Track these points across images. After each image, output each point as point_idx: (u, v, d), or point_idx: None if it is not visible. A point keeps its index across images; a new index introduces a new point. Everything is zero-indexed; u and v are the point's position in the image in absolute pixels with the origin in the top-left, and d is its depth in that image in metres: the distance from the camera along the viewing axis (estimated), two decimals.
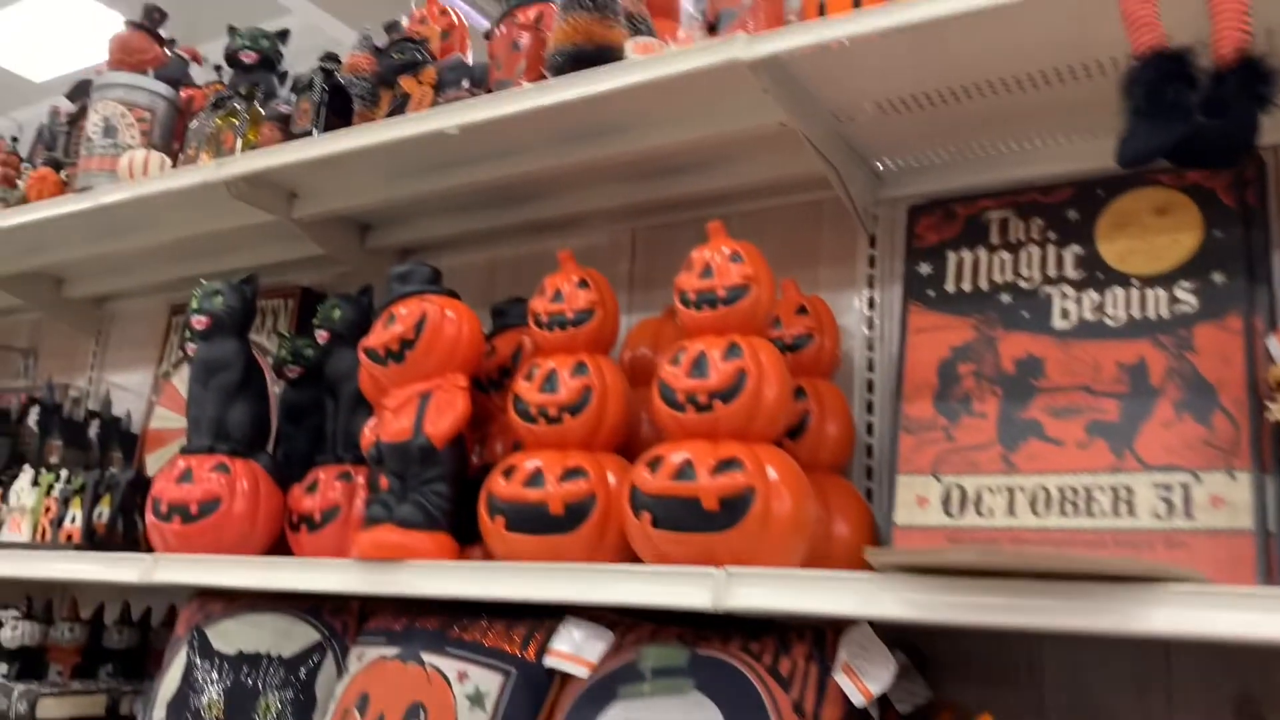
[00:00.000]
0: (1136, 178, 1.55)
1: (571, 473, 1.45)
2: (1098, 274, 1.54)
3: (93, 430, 2.46)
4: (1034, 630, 1.36)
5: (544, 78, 1.68)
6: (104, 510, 1.98)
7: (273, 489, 1.82)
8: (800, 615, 1.31)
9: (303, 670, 1.63)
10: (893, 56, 1.46)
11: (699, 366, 1.37)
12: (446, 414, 1.56)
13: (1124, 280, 1.52)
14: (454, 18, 2.13)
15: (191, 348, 2.02)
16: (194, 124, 2.08)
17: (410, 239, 2.23)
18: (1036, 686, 1.50)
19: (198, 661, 1.67)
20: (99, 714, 1.92)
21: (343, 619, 1.69)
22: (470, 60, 1.96)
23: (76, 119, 2.49)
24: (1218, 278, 1.45)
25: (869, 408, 1.72)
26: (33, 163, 2.37)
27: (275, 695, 1.61)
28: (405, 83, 1.77)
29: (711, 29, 1.49)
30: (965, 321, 1.59)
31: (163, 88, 2.21)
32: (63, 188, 2.25)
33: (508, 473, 1.49)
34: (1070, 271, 1.56)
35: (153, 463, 2.47)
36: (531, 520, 1.44)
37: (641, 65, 1.48)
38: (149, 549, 1.99)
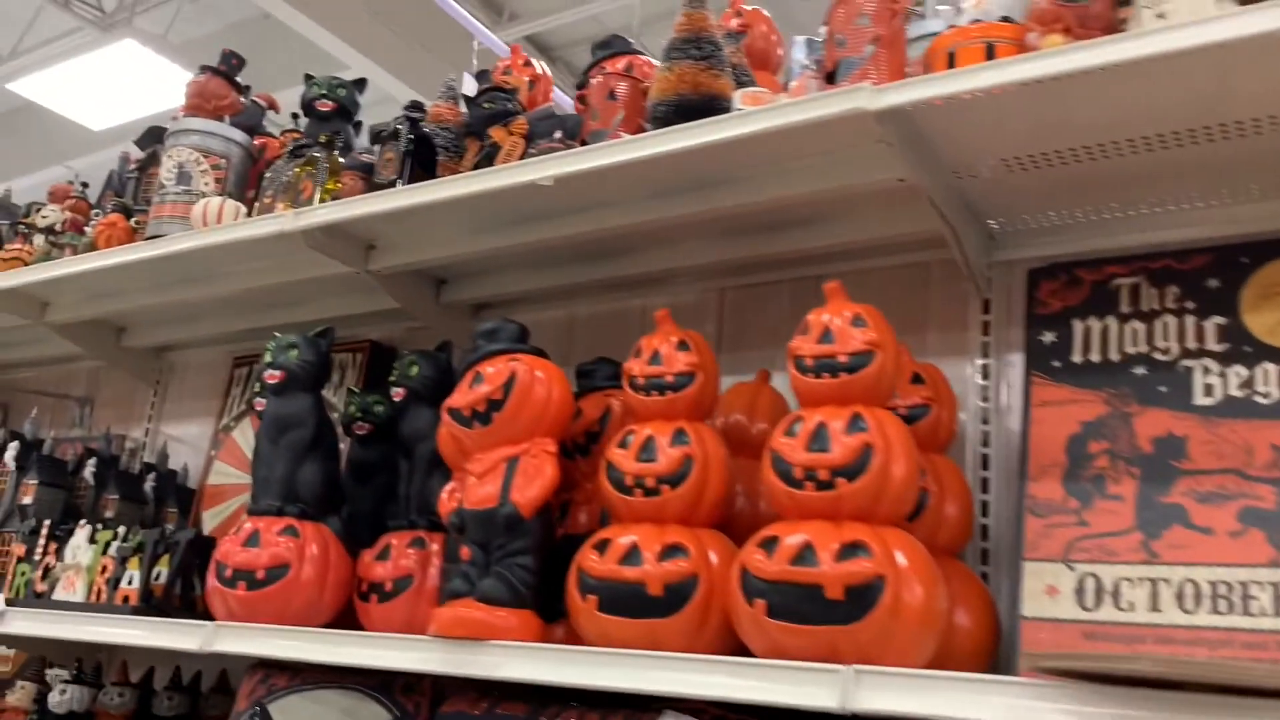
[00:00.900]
0: None
1: (671, 550, 1.34)
2: (1244, 347, 1.42)
3: (148, 484, 2.38)
4: None
5: (642, 129, 1.61)
6: (162, 571, 1.89)
7: (342, 555, 1.72)
8: None
9: None
10: (1022, 111, 1.36)
11: (819, 439, 1.26)
12: (535, 481, 1.46)
13: (1275, 355, 1.39)
14: (538, 69, 2.07)
15: (260, 402, 1.94)
16: (269, 172, 2.02)
17: (485, 294, 2.15)
18: None
19: None
20: None
21: (415, 699, 1.58)
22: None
23: (147, 165, 2.44)
24: None
25: (984, 485, 1.59)
26: (103, 209, 2.32)
27: None
28: (496, 133, 1.70)
29: (829, 78, 1.40)
30: (1096, 395, 1.47)
31: (238, 135, 2.17)
32: (132, 234, 2.20)
33: (600, 547, 1.38)
34: (1212, 344, 1.44)
35: (210, 519, 2.38)
36: (627, 601, 1.33)
37: (757, 116, 1.39)
38: (206, 613, 1.90)
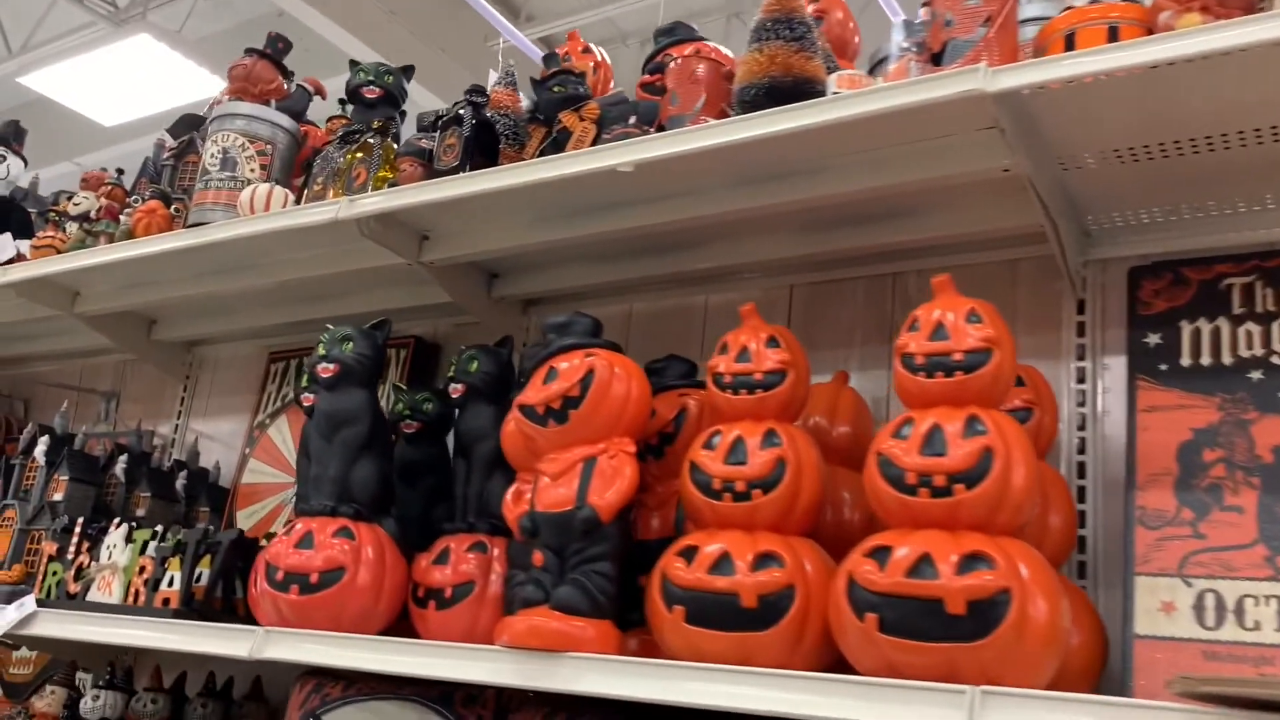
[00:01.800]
0: None
1: (765, 559, 1.26)
2: None
3: (179, 482, 2.30)
4: None
5: (725, 114, 1.53)
6: (203, 573, 1.81)
7: (399, 559, 1.64)
8: None
9: None
10: (1139, 98, 1.29)
11: (934, 443, 1.18)
12: (614, 483, 1.38)
13: None
14: (598, 55, 1.99)
15: (308, 397, 1.86)
16: (319, 159, 1.94)
17: (538, 289, 2.07)
18: None
19: None
20: None
21: (477, 711, 1.49)
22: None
23: (183, 152, 2.36)
24: None
25: (1080, 495, 1.51)
26: (139, 196, 2.24)
27: None
28: (566, 118, 1.62)
29: (935, 60, 1.32)
30: (1208, 401, 1.39)
31: (285, 120, 2.09)
32: (171, 222, 2.12)
33: (686, 554, 1.30)
34: None
35: (244, 519, 2.30)
36: (718, 613, 1.25)
37: (861, 99, 1.31)
38: (248, 616, 1.81)
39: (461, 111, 1.74)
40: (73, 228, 2.32)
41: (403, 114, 2.21)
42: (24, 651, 2.62)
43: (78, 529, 1.98)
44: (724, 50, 1.79)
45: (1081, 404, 1.55)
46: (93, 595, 1.88)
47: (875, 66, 1.60)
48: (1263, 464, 1.33)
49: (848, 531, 1.44)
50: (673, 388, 1.62)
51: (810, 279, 1.85)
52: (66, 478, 2.14)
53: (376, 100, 2.12)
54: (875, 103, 1.31)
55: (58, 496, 2.13)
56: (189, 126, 2.45)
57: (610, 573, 1.36)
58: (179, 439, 2.61)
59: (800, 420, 1.55)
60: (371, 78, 2.14)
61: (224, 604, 1.82)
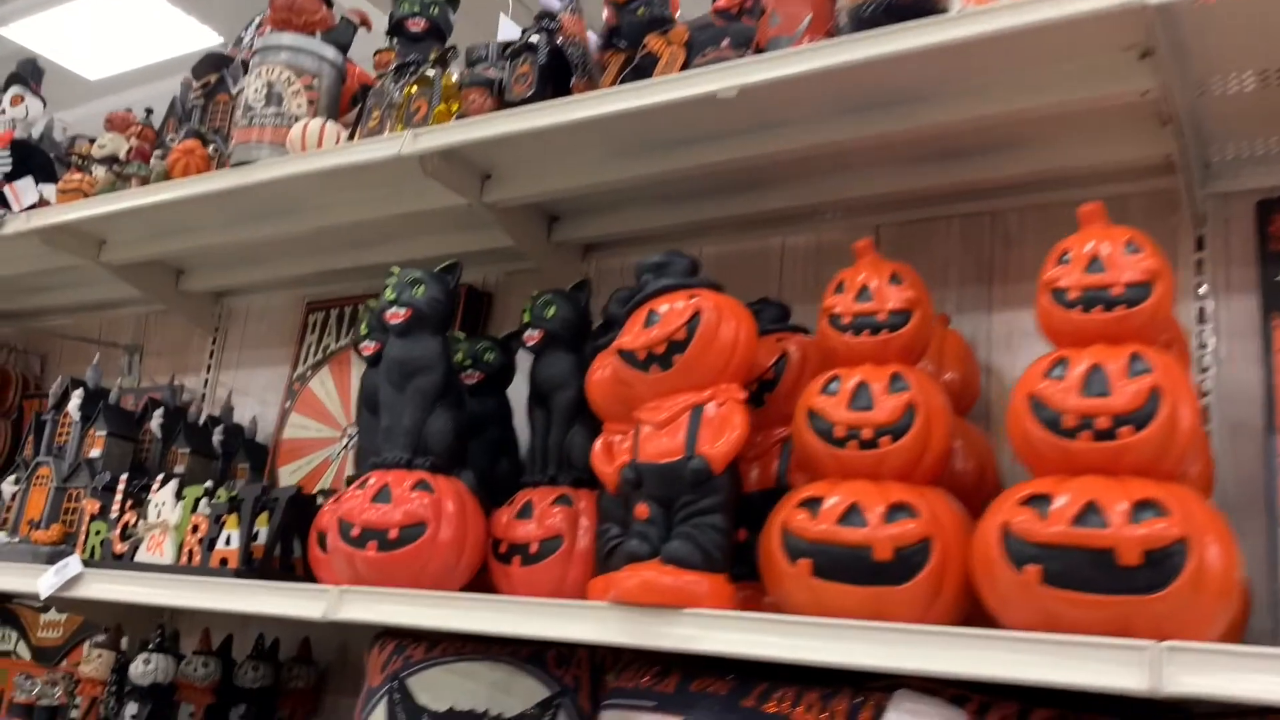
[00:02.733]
0: None
1: (898, 510, 1.18)
2: None
3: (215, 437, 2.20)
4: None
5: (832, 35, 1.42)
6: (259, 531, 1.72)
7: (479, 513, 1.55)
8: (1248, 706, 1.02)
9: None
10: None
11: (1095, 383, 1.09)
12: (725, 432, 1.29)
13: None
14: None
15: (369, 345, 1.76)
16: (372, 94, 1.83)
17: (600, 232, 1.97)
18: None
19: (402, 719, 1.39)
20: None
21: (572, 672, 1.41)
22: None
23: (213, 91, 2.24)
24: None
25: None
26: (175, 137, 2.11)
27: None
28: (653, 42, 1.51)
29: None
30: None
31: (331, 52, 1.96)
32: (209, 162, 2.00)
33: (809, 505, 1.22)
34: None
35: (287, 476, 2.21)
36: (850, 567, 1.17)
37: (997, 14, 1.21)
38: (307, 576, 1.73)
39: (534, 39, 1.63)
40: (99, 171, 2.20)
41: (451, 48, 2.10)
42: (53, 614, 2.53)
43: (121, 486, 1.88)
44: None
45: (1203, 345, 1.47)
46: (141, 555, 1.79)
47: None
48: None
49: (961, 482, 1.37)
50: (769, 332, 1.53)
51: (898, 218, 1.75)
52: (104, 433, 2.04)
53: (422, 34, 2.00)
54: (1013, 19, 1.21)
55: (95, 453, 2.03)
56: (213, 66, 2.32)
57: (722, 525, 1.28)
58: (209, 394, 2.51)
59: None
60: (417, 9, 2.02)
61: (282, 563, 1.73)
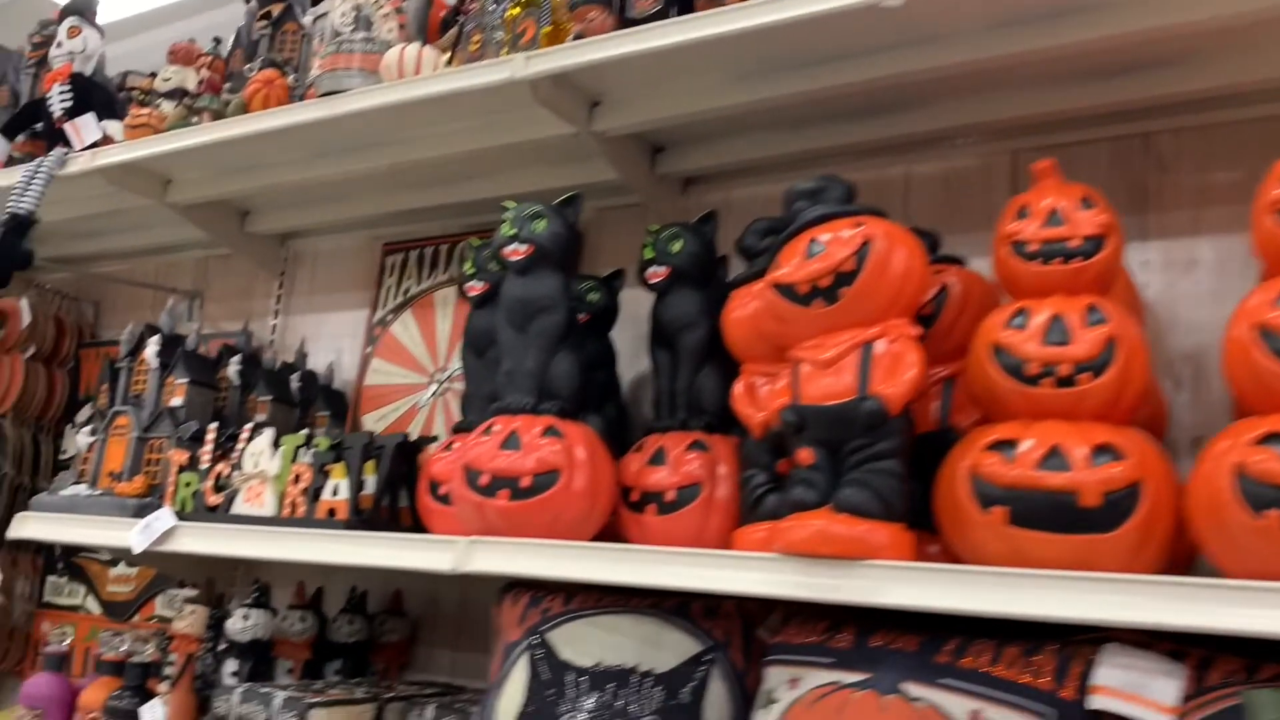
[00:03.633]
0: None
1: (1103, 451, 1.09)
2: None
3: (292, 384, 2.11)
4: None
5: None
6: (364, 481, 1.64)
7: (609, 460, 1.47)
8: None
9: (686, 690, 1.29)
10: None
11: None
12: (901, 370, 1.20)
13: None
14: None
15: (476, 286, 1.67)
16: (469, 18, 1.71)
17: (705, 164, 1.86)
18: None
19: (547, 675, 1.32)
20: None
21: (722, 625, 1.34)
22: None
23: (281, 20, 2.12)
24: None
25: None
26: (251, 69, 1.99)
27: None
28: None
29: None
30: None
31: None
32: (289, 92, 1.89)
33: (1002, 448, 1.13)
34: None
35: (373, 424, 2.13)
36: (1052, 514, 1.09)
37: None
38: (415, 526, 1.66)
39: None
40: (166, 105, 2.08)
41: None
42: (122, 568, 2.47)
43: (211, 436, 1.80)
44: None
45: None
46: (239, 507, 1.71)
47: None
48: None
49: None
50: None
51: (1038, 142, 1.64)
52: (184, 381, 1.96)
53: None
54: None
55: (176, 401, 1.94)
56: None
57: (899, 471, 1.19)
58: (277, 339, 2.42)
59: None
60: None
61: (389, 513, 1.66)
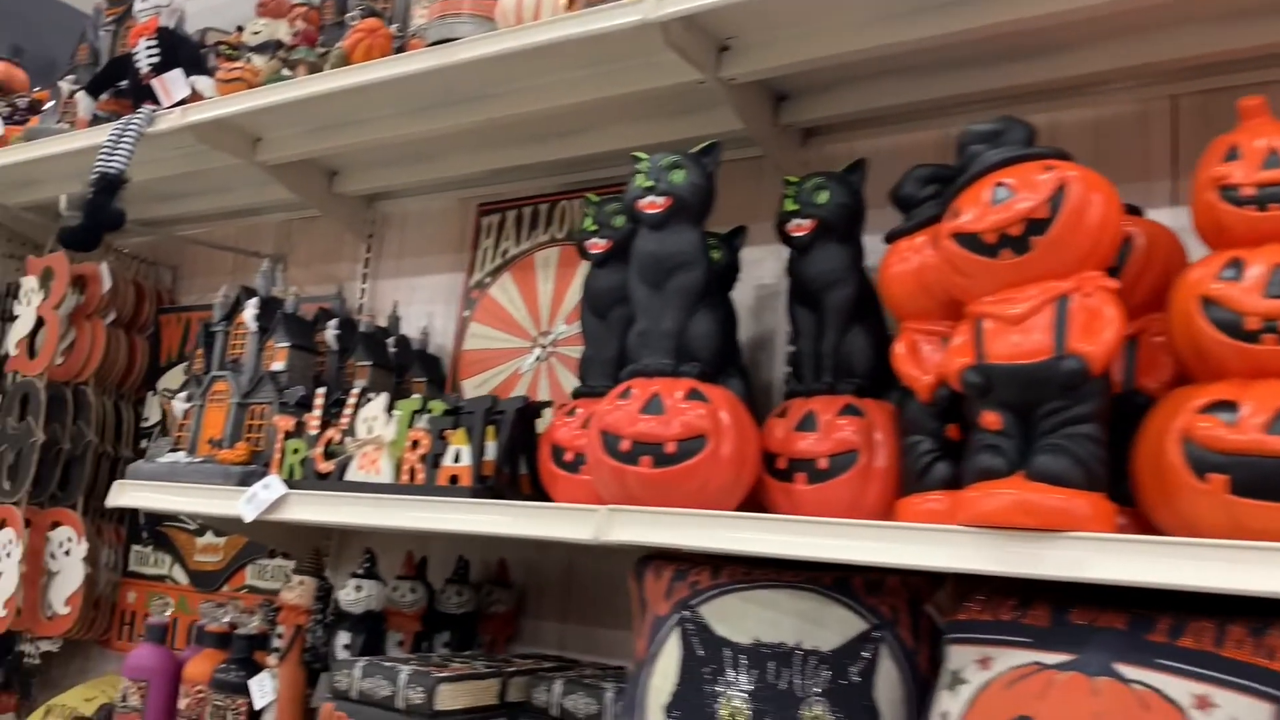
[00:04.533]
0: None
1: None
2: None
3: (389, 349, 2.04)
4: None
5: None
6: (487, 447, 1.57)
7: (753, 425, 1.39)
8: None
9: (853, 671, 1.20)
10: None
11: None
12: (1100, 326, 1.10)
13: None
14: None
15: (599, 243, 1.59)
16: None
17: (827, 114, 1.76)
18: None
19: (701, 653, 1.25)
20: (492, 703, 1.51)
21: (889, 601, 1.25)
22: None
23: None
24: None
25: None
26: (353, 14, 1.90)
27: (821, 705, 1.18)
28: None
29: None
30: None
31: None
32: (392, 41, 1.80)
33: (1219, 411, 1.04)
34: None
35: (471, 390, 2.05)
36: None
37: None
38: (536, 494, 1.59)
39: None
40: (258, 60, 2.01)
41: None
42: (210, 537, 2.43)
43: (319, 401, 1.73)
44: None
45: None
46: (353, 474, 1.64)
47: None
48: None
49: None
50: None
51: (1199, 86, 1.53)
52: (286, 345, 1.89)
53: None
54: None
55: (278, 366, 1.88)
56: None
57: (1098, 436, 1.09)
58: (367, 303, 2.35)
59: None
60: None
61: (509, 480, 1.59)
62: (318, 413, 1.72)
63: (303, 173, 2.26)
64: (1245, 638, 1.00)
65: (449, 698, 1.44)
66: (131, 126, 2.04)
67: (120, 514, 2.57)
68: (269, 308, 1.95)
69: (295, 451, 1.72)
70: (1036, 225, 1.13)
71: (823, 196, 1.42)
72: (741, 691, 1.21)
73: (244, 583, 2.33)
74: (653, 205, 1.40)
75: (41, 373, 2.45)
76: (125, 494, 1.90)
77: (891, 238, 1.36)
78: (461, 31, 1.65)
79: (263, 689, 1.72)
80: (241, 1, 2.40)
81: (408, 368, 2.05)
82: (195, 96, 2.07)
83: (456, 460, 1.54)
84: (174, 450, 1.92)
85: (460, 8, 1.68)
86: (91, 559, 2.44)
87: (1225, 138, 1.15)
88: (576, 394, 1.60)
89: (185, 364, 2.56)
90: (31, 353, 2.48)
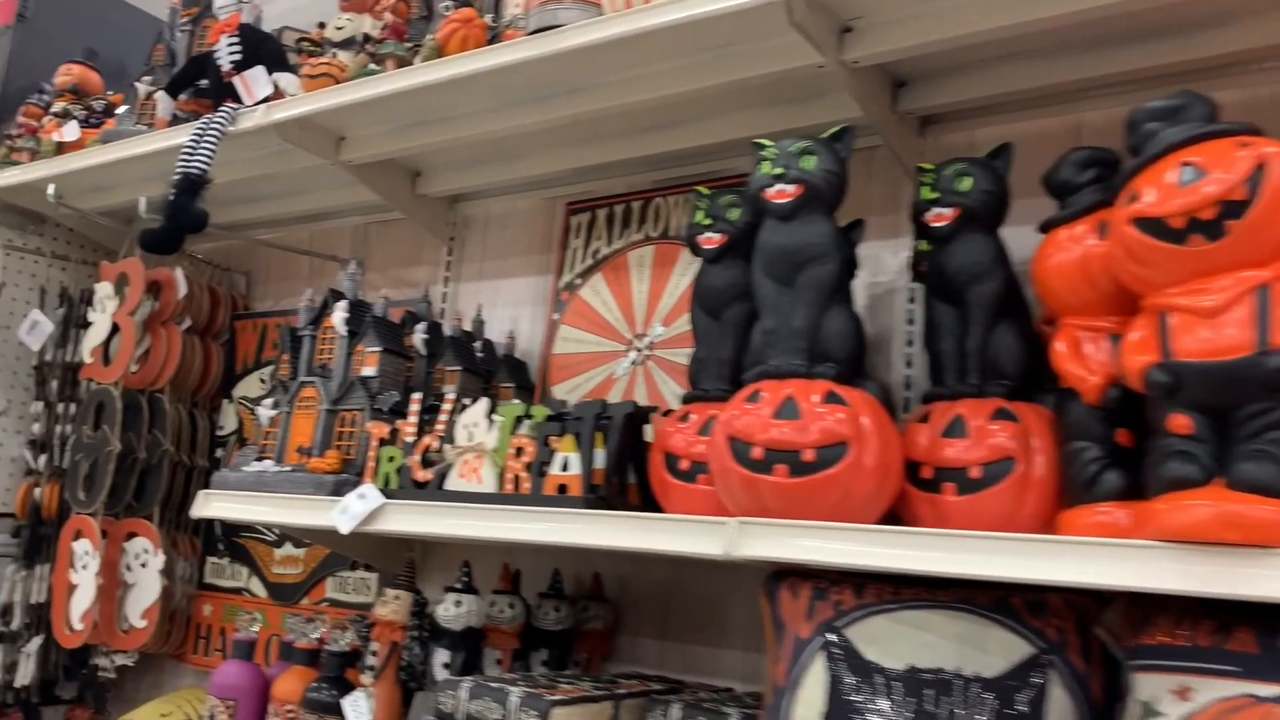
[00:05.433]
0: None
1: None
2: None
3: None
4: None
5: None
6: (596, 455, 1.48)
7: (895, 431, 1.28)
8: None
9: (1021, 699, 1.10)
10: None
11: None
12: None
13: None
14: None
15: (712, 238, 1.50)
16: None
17: (946, 101, 1.66)
18: None
19: (850, 679, 1.15)
20: None
21: (1053, 623, 1.15)
22: None
23: None
24: None
25: None
26: (446, 5, 1.83)
27: None
28: None
29: None
30: None
31: None
32: (487, 32, 1.73)
33: None
34: None
35: (563, 395, 1.97)
36: None
37: None
38: (645, 503, 1.50)
39: None
40: (343, 55, 1.94)
41: None
42: (289, 549, 2.36)
43: (414, 407, 1.66)
44: None
45: None
46: (454, 483, 1.56)
47: None
48: None
49: None
50: None
51: None
52: (376, 350, 1.82)
53: None
54: None
55: (368, 371, 1.81)
56: None
57: None
58: (448, 307, 2.28)
59: None
60: None
61: (620, 489, 1.50)
62: (413, 419, 1.65)
63: (386, 173, 2.19)
64: None
65: None
66: (213, 126, 1.99)
67: (196, 524, 2.52)
68: (358, 311, 1.88)
69: (390, 459, 1.65)
70: (1232, 208, 1.02)
71: (966, 183, 1.32)
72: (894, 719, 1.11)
73: (324, 595, 2.26)
74: (782, 194, 1.30)
75: (117, 381, 2.40)
76: (211, 504, 1.84)
77: (1047, 226, 1.25)
78: (565, 18, 1.57)
79: (357, 709, 1.64)
80: (319, 3, 2.36)
81: (494, 373, 1.97)
82: (278, 94, 2.01)
83: (565, 469, 1.46)
84: (260, 459, 1.86)
85: None
86: (168, 571, 2.38)
87: None
88: (688, 398, 1.51)
89: (262, 371, 2.51)
90: (106, 360, 2.43)
